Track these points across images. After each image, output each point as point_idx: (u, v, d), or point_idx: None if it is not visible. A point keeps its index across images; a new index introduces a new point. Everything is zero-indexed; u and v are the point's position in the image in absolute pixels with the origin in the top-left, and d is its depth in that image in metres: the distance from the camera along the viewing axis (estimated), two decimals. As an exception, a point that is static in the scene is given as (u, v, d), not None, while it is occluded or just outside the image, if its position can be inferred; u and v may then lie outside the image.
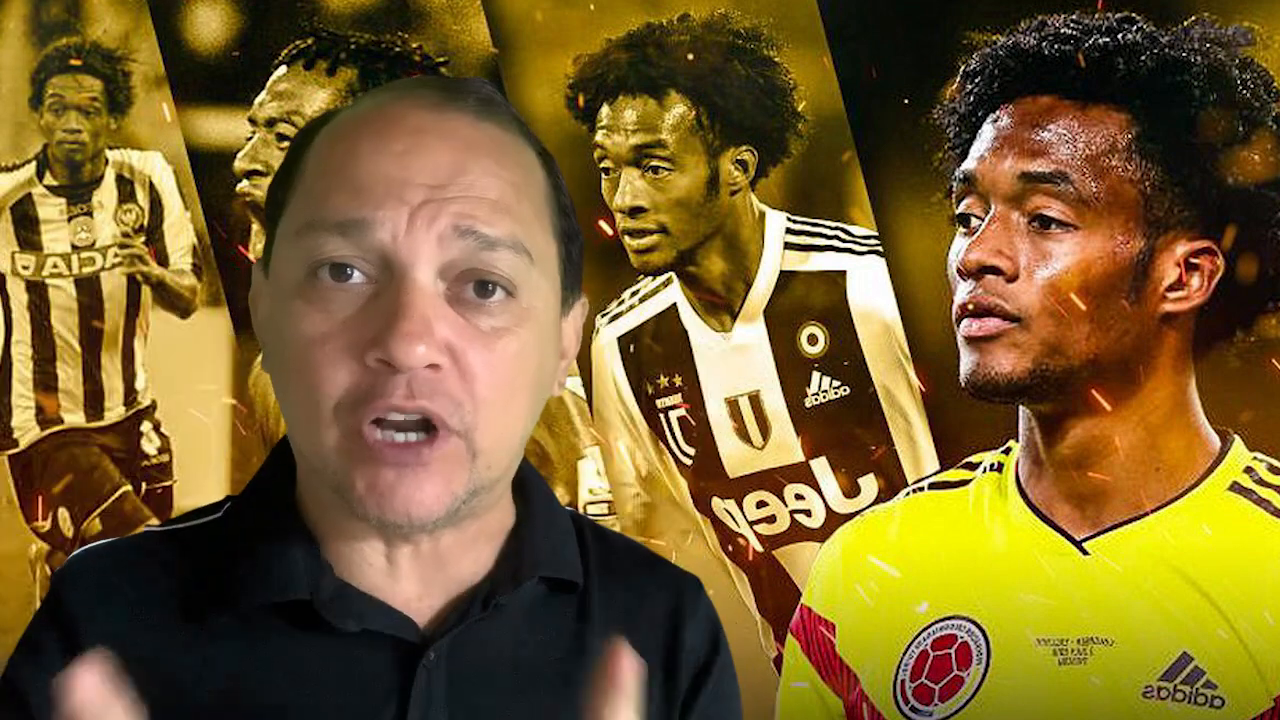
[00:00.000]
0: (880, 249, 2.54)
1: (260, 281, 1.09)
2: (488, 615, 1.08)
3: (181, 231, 3.51)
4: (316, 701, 1.04)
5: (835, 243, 2.60)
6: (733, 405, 2.69)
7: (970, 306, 1.41)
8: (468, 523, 1.07)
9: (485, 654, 1.08)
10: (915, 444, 2.55)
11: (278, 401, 1.07)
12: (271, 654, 1.05)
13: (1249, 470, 1.45)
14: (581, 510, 2.86)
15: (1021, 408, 1.47)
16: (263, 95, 2.93)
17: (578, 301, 1.14)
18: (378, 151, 1.03)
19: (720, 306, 2.68)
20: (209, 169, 3.25)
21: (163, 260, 3.53)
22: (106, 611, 1.06)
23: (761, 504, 2.68)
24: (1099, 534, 1.44)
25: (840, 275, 2.59)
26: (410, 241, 1.01)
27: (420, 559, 1.07)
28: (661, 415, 2.75)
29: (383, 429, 1.01)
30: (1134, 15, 1.48)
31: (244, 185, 2.93)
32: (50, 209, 3.60)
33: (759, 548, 2.67)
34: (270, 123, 2.90)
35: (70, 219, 3.59)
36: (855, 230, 2.58)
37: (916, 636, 1.47)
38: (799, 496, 2.65)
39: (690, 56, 2.61)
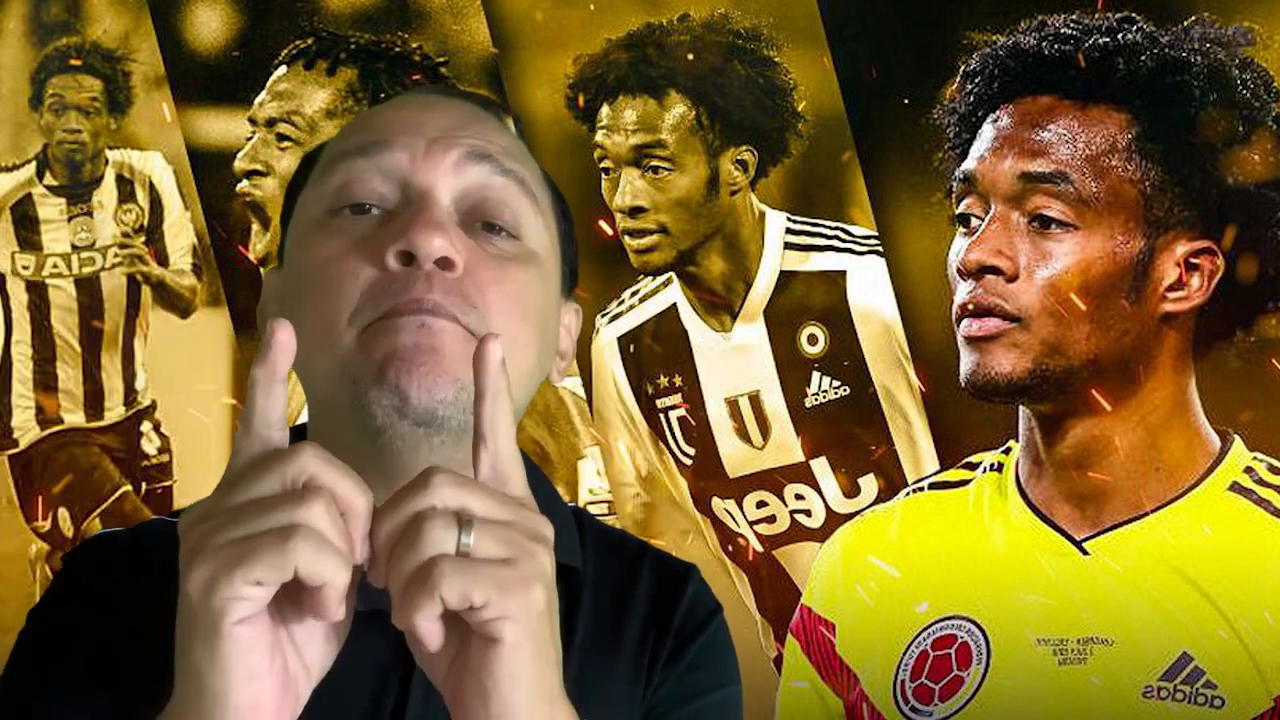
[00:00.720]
0: (880, 249, 2.53)
1: (273, 283, 1.12)
2: None
3: (181, 231, 3.51)
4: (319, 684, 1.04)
5: (835, 243, 2.60)
6: (733, 405, 2.69)
7: (970, 306, 1.41)
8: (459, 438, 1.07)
9: None
10: (915, 444, 2.55)
11: (297, 341, 1.08)
12: None
13: (1249, 470, 1.45)
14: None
15: (1021, 408, 1.47)
16: (263, 95, 2.93)
17: (572, 305, 1.18)
18: (394, 110, 1.10)
19: (720, 306, 2.68)
20: (209, 169, 3.25)
21: (163, 260, 3.53)
22: (118, 584, 1.08)
23: (761, 504, 2.68)
24: (1099, 534, 1.44)
25: (840, 275, 2.59)
26: (428, 163, 1.06)
27: None
28: (661, 415, 2.75)
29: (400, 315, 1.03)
30: (1134, 15, 1.48)
31: (244, 185, 2.93)
32: (50, 209, 3.60)
33: (759, 548, 2.67)
34: (270, 123, 2.90)
35: (70, 219, 3.59)
36: (855, 230, 2.57)
37: (916, 636, 1.47)
38: (799, 496, 2.64)
39: (690, 56, 2.61)
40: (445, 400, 1.03)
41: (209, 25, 3.22)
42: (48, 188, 3.60)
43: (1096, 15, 1.48)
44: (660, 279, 2.73)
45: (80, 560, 1.12)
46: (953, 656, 1.44)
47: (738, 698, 1.21)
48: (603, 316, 2.80)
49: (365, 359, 1.03)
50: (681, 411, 2.73)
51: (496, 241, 1.07)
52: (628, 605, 1.16)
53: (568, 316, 1.17)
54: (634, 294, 2.77)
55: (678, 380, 2.73)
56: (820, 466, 2.62)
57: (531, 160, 1.14)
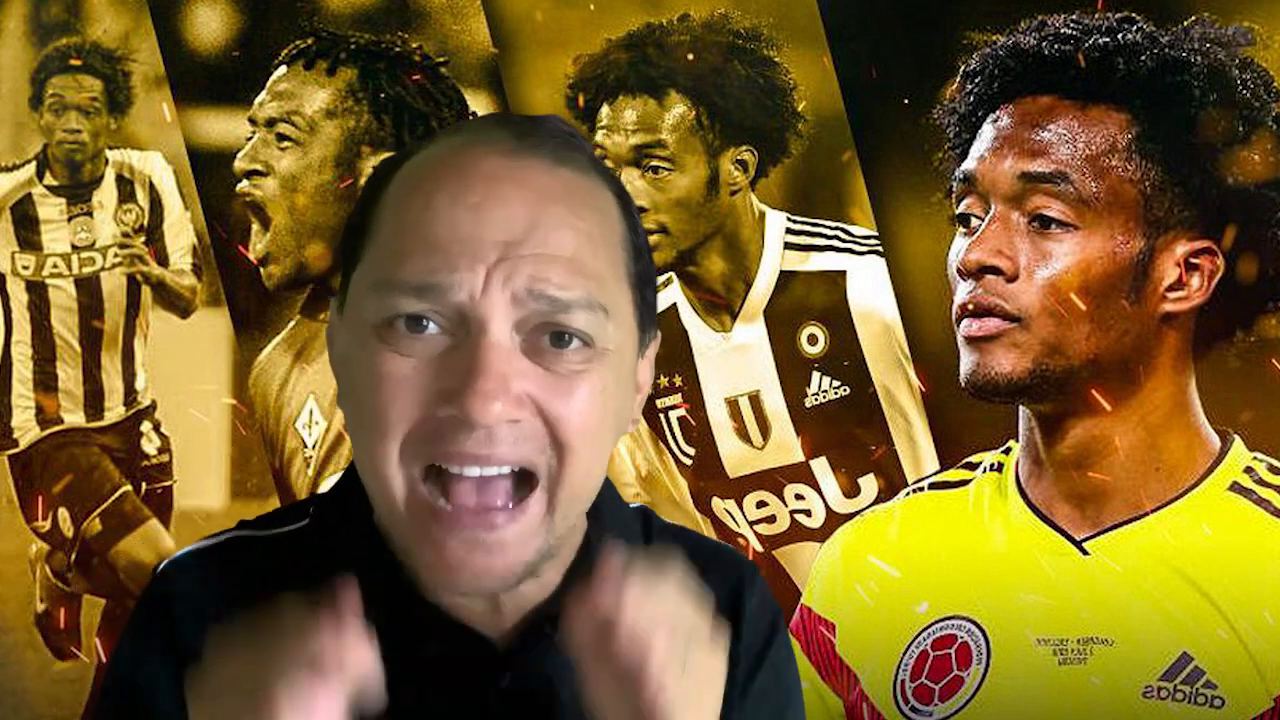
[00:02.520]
0: (880, 249, 2.54)
1: (336, 318, 1.09)
2: (559, 635, 1.06)
3: (181, 231, 3.51)
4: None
5: (835, 243, 2.60)
6: (733, 405, 2.69)
7: (970, 306, 1.41)
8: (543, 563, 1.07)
9: (558, 675, 1.07)
10: (915, 444, 2.55)
11: (351, 443, 1.07)
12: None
13: (1249, 470, 1.45)
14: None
15: (1021, 408, 1.47)
16: (263, 95, 2.93)
17: (653, 340, 1.13)
18: (452, 205, 1.03)
19: (720, 306, 2.68)
20: (209, 169, 3.25)
21: (163, 260, 3.53)
22: (205, 612, 1.05)
23: (761, 504, 2.68)
24: (1099, 534, 1.44)
25: (840, 275, 2.59)
26: (486, 301, 1.01)
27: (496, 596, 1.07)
28: (661, 415, 2.75)
29: (451, 501, 1.00)
30: (1134, 15, 1.48)
31: (244, 185, 2.93)
32: (50, 209, 3.60)
33: (759, 548, 2.67)
34: (270, 123, 2.89)
35: (70, 219, 3.59)
36: (855, 230, 2.58)
37: (916, 636, 1.47)
38: (799, 496, 2.65)
39: (690, 56, 2.61)
40: (504, 588, 1.03)
41: (209, 25, 3.22)
42: (48, 188, 3.60)
43: (1096, 15, 1.48)
44: (660, 279, 2.74)
45: (167, 597, 1.08)
46: (953, 656, 1.44)
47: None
48: (603, 316, 2.80)
49: (416, 549, 1.02)
50: (681, 411, 2.73)
51: (566, 355, 1.02)
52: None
53: (648, 351, 1.12)
54: (634, 294, 2.77)
55: (678, 380, 2.73)
56: (820, 466, 2.62)
57: (605, 218, 1.08)
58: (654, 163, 2.62)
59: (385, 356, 1.01)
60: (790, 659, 1.21)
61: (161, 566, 1.10)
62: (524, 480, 1.02)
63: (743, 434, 2.68)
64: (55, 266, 3.60)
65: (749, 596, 1.20)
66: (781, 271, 2.63)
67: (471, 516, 1.00)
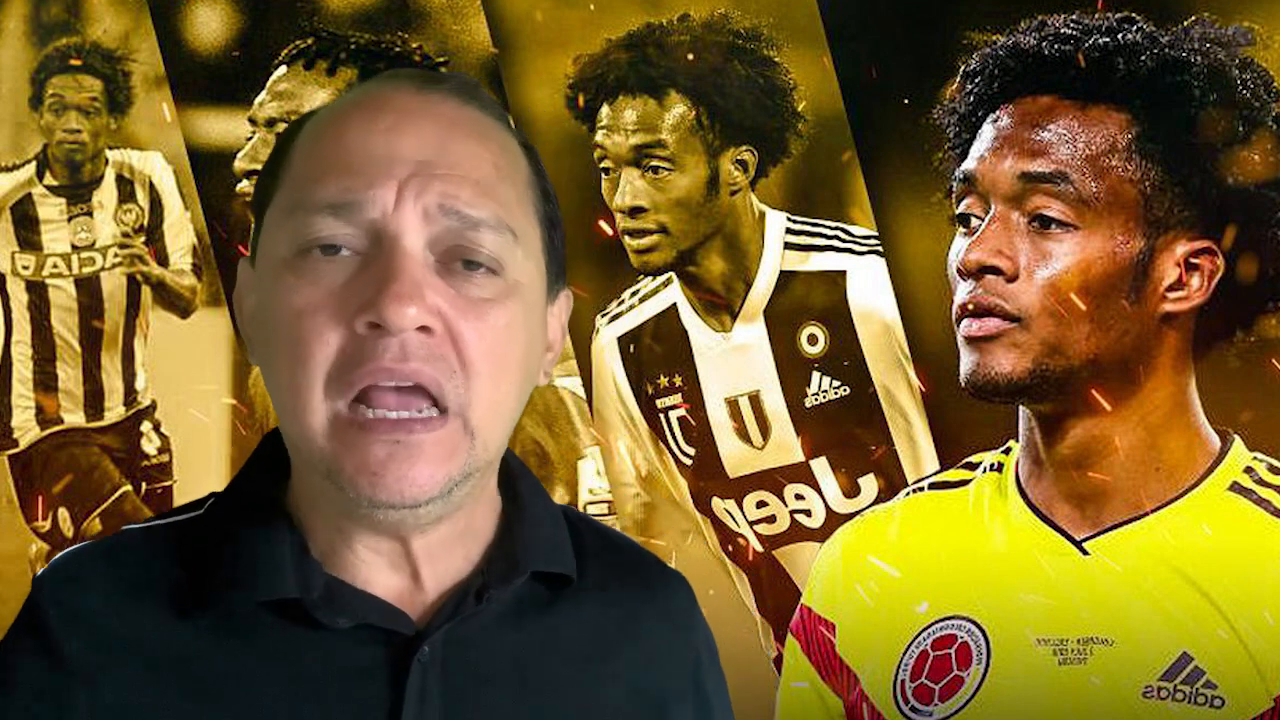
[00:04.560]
0: (880, 249, 2.54)
1: (247, 275, 1.10)
2: (481, 610, 1.08)
3: (181, 231, 3.51)
4: (308, 699, 1.04)
5: (835, 243, 2.60)
6: (733, 405, 2.69)
7: (970, 306, 1.41)
8: (458, 515, 1.07)
9: (483, 652, 1.08)
10: (915, 444, 2.55)
11: (267, 389, 1.07)
12: (260, 653, 1.04)
13: (1249, 470, 1.45)
14: (581, 510, 2.86)
15: (1021, 408, 1.47)
16: (263, 95, 2.93)
17: (562, 292, 1.14)
18: (365, 131, 1.05)
19: (720, 306, 2.68)
20: (209, 169, 3.25)
21: (163, 260, 3.53)
22: (87, 613, 1.05)
23: (761, 504, 2.68)
24: (1099, 534, 1.44)
25: (840, 275, 2.59)
26: (399, 215, 1.03)
27: (410, 556, 1.07)
28: (661, 415, 2.75)
29: (374, 409, 1.01)
30: (1134, 15, 1.48)
31: (244, 185, 2.93)
32: (50, 209, 3.60)
33: (759, 548, 2.67)
34: (270, 123, 2.90)
35: (70, 219, 3.59)
36: (855, 230, 2.58)
37: (916, 636, 1.47)
38: (799, 496, 2.65)
39: (690, 56, 2.61)
40: (425, 498, 1.02)
41: (209, 25, 3.22)
42: (48, 188, 3.60)
43: (1096, 15, 1.48)
44: (660, 279, 2.74)
45: (44, 600, 1.07)
46: (953, 656, 1.44)
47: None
48: (603, 316, 2.80)
49: (336, 458, 1.02)
50: (681, 411, 2.73)
51: (476, 280, 1.04)
52: (637, 633, 1.16)
53: (555, 307, 1.14)
54: (634, 294, 2.77)
55: (678, 380, 2.73)
56: (820, 466, 2.62)
57: (512, 158, 1.09)
58: (654, 163, 2.62)
59: (301, 289, 1.03)
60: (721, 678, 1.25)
61: (43, 569, 1.09)
62: (439, 407, 1.02)
63: (743, 434, 2.68)
64: (55, 266, 3.60)
65: (695, 608, 1.23)
66: (781, 271, 2.63)
67: (392, 423, 1.01)
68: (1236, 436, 1.47)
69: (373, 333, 1.00)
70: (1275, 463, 1.46)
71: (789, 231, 2.63)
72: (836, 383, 2.60)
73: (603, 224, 2.67)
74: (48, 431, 3.61)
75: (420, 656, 1.05)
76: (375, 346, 1.00)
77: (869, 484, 2.59)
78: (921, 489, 1.57)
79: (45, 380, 3.60)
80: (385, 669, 1.05)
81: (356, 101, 1.08)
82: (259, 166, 2.87)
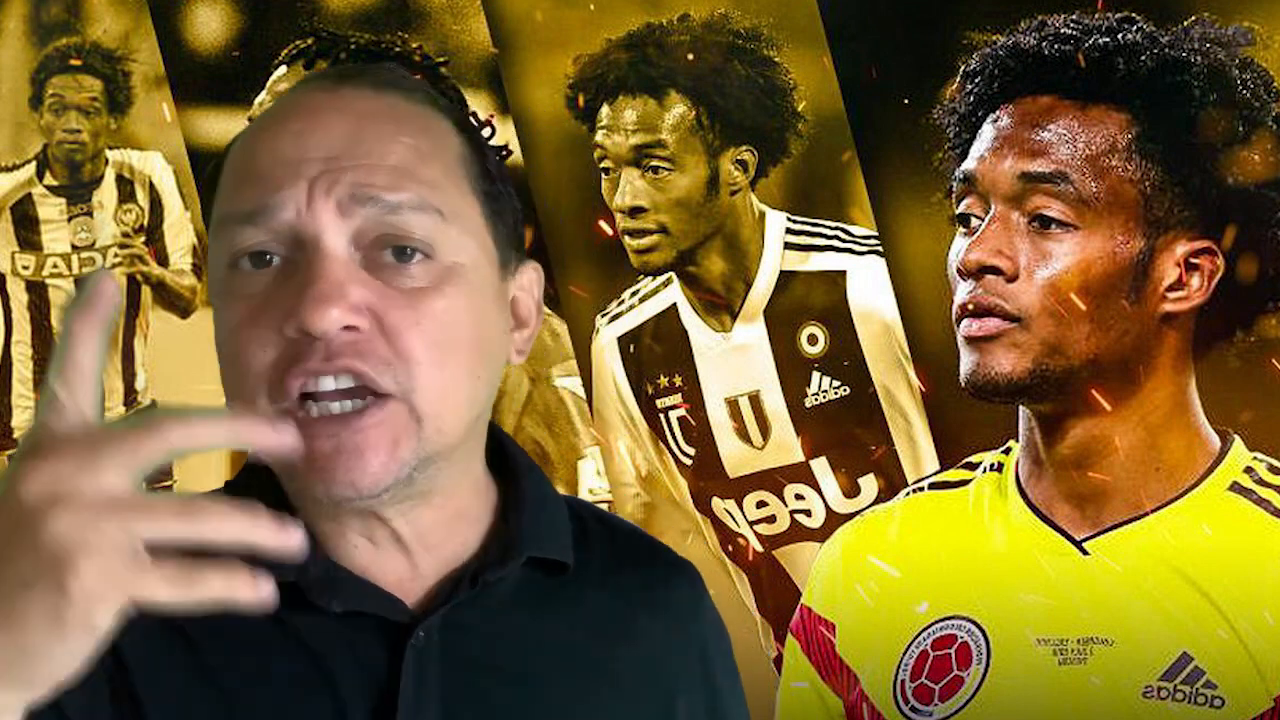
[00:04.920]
0: (880, 249, 2.54)
1: (212, 274, 1.10)
2: (476, 595, 1.08)
3: (181, 231, 3.51)
4: (305, 683, 1.04)
5: (835, 243, 2.60)
6: (733, 405, 2.69)
7: (970, 306, 1.41)
8: (439, 499, 1.06)
9: (482, 639, 1.08)
10: (915, 444, 2.55)
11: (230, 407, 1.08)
12: (257, 636, 1.03)
13: (1249, 470, 1.45)
14: (581, 510, 2.86)
15: (1021, 408, 1.47)
16: (263, 95, 2.92)
17: (526, 266, 1.12)
18: (275, 137, 1.04)
19: (720, 306, 2.68)
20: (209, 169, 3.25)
21: (163, 260, 3.53)
22: None
23: (761, 504, 2.68)
24: (1099, 534, 1.44)
25: (840, 275, 2.59)
26: (312, 213, 1.01)
27: (402, 541, 1.07)
28: (661, 415, 2.75)
29: (317, 404, 1.01)
30: (1134, 15, 1.48)
31: (244, 185, 2.93)
32: (50, 209, 3.60)
33: (759, 548, 2.67)
34: (270, 123, 2.90)
35: (70, 219, 3.59)
36: (855, 230, 2.58)
37: (916, 636, 1.47)
38: (799, 496, 2.65)
39: (690, 56, 2.61)
40: (379, 487, 1.01)
41: (209, 25, 3.22)
42: (48, 188, 3.60)
43: (1096, 15, 1.48)
44: (660, 279, 2.74)
45: None
46: (953, 656, 1.44)
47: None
48: (603, 316, 2.80)
49: (291, 464, 1.01)
50: (681, 411, 2.73)
51: (409, 269, 1.02)
52: (642, 620, 1.16)
53: (523, 279, 1.11)
54: (634, 294, 2.77)
55: (678, 380, 2.73)
56: (820, 466, 2.62)
57: (437, 139, 1.07)
58: (654, 163, 2.62)
59: (233, 305, 1.03)
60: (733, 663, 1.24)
61: None
62: (381, 398, 1.01)
63: (743, 434, 2.68)
64: (55, 266, 3.60)
65: (705, 597, 1.22)
66: (781, 271, 2.63)
67: (334, 419, 1.00)
68: (1236, 436, 1.47)
69: (303, 338, 1.00)
70: (1275, 463, 1.46)
71: (789, 231, 2.63)
72: (836, 383, 2.60)
73: (603, 224, 2.67)
74: (48, 431, 3.60)
75: (415, 642, 1.05)
76: (305, 350, 1.00)
77: (869, 484, 2.59)
78: (921, 489, 1.57)
79: (45, 380, 3.60)
80: (382, 654, 1.05)
81: (272, 110, 1.08)
82: (259, 166, 2.88)
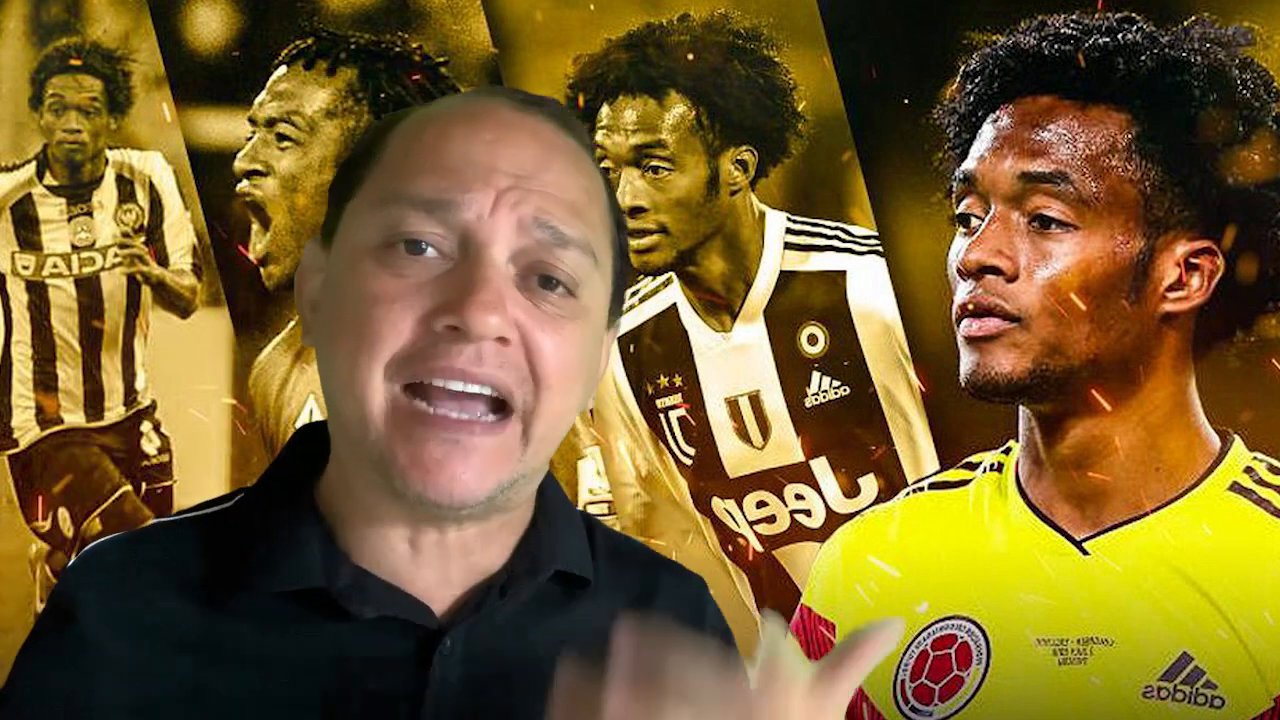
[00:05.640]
0: (880, 249, 2.53)
1: (315, 256, 1.11)
2: (504, 605, 1.09)
3: (181, 231, 3.51)
4: (333, 689, 1.05)
5: (835, 243, 2.60)
6: (733, 405, 2.69)
7: (970, 306, 1.41)
8: (499, 514, 1.08)
9: (505, 647, 1.09)
10: (915, 444, 2.55)
11: (320, 373, 1.08)
12: (287, 642, 1.05)
13: (1249, 470, 1.45)
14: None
15: (1021, 408, 1.47)
16: (263, 95, 2.93)
17: (617, 323, 1.16)
18: (468, 138, 1.07)
19: (720, 306, 2.68)
20: (209, 169, 3.25)
21: (163, 260, 3.53)
22: (115, 604, 1.06)
23: (761, 504, 2.68)
24: (1099, 534, 1.44)
25: (840, 275, 2.59)
26: (493, 222, 1.04)
27: (444, 548, 1.08)
28: (661, 415, 2.75)
29: (435, 404, 1.02)
30: (1134, 15, 1.48)
31: (244, 185, 2.93)
32: (50, 209, 3.60)
33: (759, 548, 2.67)
34: (270, 123, 2.90)
35: (70, 219, 3.59)
36: (855, 230, 2.57)
37: (916, 636, 1.47)
38: (799, 496, 2.64)
39: (690, 56, 2.61)
40: (473, 501, 1.03)
41: (209, 25, 3.22)
42: (48, 188, 3.60)
43: (1096, 15, 1.48)
44: (660, 279, 2.73)
45: (72, 589, 1.07)
46: (953, 656, 1.44)
47: None
48: (603, 316, 2.80)
49: (390, 447, 1.02)
50: (681, 411, 2.73)
51: (552, 299, 1.06)
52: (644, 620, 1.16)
53: (609, 335, 1.15)
54: (634, 294, 2.77)
55: (678, 380, 2.73)
56: (820, 466, 2.62)
57: (599, 187, 1.11)
58: (654, 163, 2.62)
59: (381, 276, 1.04)
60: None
61: (69, 563, 1.10)
62: (500, 409, 1.04)
63: (743, 434, 2.68)
64: (55, 266, 3.60)
65: (708, 608, 1.23)
66: (781, 271, 2.63)
67: (454, 422, 1.02)
68: (1236, 436, 1.47)
69: (449, 334, 1.02)
70: (1275, 463, 1.46)
71: (789, 231, 2.63)
72: (836, 383, 2.60)
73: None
74: (48, 431, 3.61)
75: (442, 649, 1.06)
76: (450, 348, 1.02)
77: (869, 484, 2.58)
78: (921, 489, 1.58)
79: (45, 380, 3.60)
80: (409, 660, 1.06)
81: (458, 109, 1.10)
82: (259, 166, 2.87)
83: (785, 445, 2.64)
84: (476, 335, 1.01)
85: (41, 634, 1.07)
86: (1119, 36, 1.44)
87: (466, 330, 1.01)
